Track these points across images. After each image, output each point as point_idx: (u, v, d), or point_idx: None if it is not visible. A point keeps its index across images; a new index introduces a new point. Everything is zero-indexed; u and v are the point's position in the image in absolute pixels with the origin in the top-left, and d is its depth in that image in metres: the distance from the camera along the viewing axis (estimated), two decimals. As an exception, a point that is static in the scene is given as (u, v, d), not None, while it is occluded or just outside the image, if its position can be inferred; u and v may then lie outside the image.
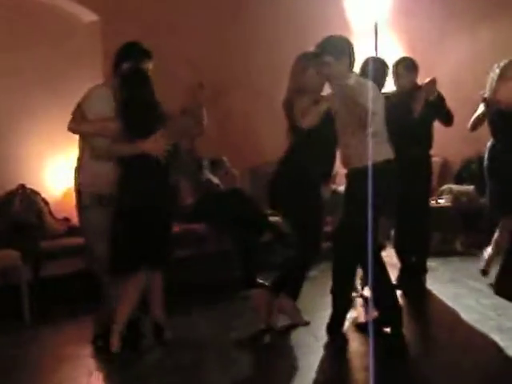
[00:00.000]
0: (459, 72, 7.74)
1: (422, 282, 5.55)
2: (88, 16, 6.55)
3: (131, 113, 4.03)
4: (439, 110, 5.33)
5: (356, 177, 4.08)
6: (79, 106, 4.15)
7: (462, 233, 7.32)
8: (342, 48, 4.19)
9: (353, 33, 8.35)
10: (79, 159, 4.25)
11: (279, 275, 4.56)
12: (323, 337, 4.21)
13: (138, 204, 3.99)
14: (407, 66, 5.36)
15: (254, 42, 7.63)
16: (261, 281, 5.77)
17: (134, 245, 4.00)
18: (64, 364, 3.98)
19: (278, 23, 7.73)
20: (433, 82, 5.15)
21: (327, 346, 4.09)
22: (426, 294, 5.37)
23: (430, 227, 5.85)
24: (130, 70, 4.13)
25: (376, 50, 7.58)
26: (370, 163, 3.88)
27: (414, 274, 5.55)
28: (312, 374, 3.58)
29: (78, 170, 4.24)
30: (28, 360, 4.15)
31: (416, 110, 5.10)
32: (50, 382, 3.78)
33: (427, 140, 5.48)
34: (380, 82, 4.94)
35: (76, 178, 4.24)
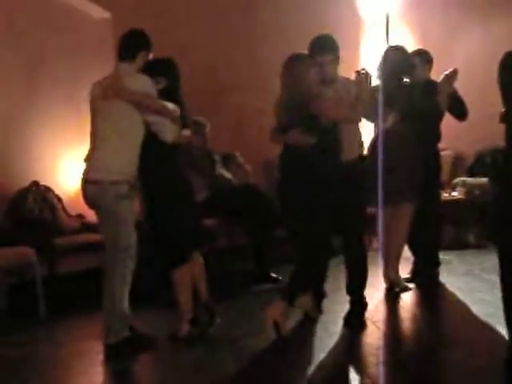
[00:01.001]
0: (471, 64, 7.66)
1: (435, 275, 5.52)
2: (99, 13, 6.55)
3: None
4: (454, 103, 5.26)
5: None
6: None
7: (475, 226, 7.27)
8: (338, 47, 4.32)
9: (364, 25, 8.36)
10: (107, 149, 4.00)
11: (289, 283, 4.54)
12: (335, 332, 4.23)
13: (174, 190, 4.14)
14: (424, 58, 5.35)
15: (267, 39, 7.61)
16: (274, 275, 5.79)
17: (182, 232, 4.14)
18: (79, 359, 4.02)
19: (289, 18, 7.72)
20: (455, 72, 5.09)
21: (339, 341, 4.09)
22: (440, 287, 5.35)
23: (440, 221, 5.79)
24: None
25: (387, 42, 7.57)
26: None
27: (426, 267, 5.52)
28: (321, 368, 3.59)
29: (109, 160, 3.99)
30: (43, 355, 4.18)
31: (444, 102, 5.05)
32: (65, 377, 3.80)
33: (436, 135, 5.42)
34: (408, 72, 4.99)
35: (106, 168, 3.98)
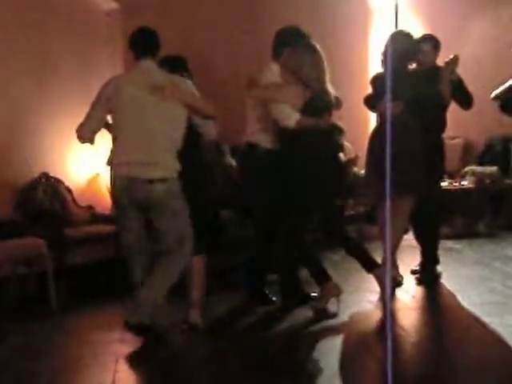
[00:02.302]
0: (481, 51, 7.67)
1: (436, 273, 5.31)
2: (108, 4, 6.55)
3: None
4: (458, 92, 5.14)
5: None
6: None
7: (485, 214, 7.26)
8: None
9: (373, 14, 8.32)
10: (164, 146, 3.94)
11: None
12: (343, 319, 4.27)
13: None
14: (433, 43, 5.23)
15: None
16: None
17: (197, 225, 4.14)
18: (90, 349, 4.02)
19: (298, 7, 7.66)
20: (456, 58, 5.00)
21: (346, 329, 4.13)
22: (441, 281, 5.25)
23: (439, 216, 5.51)
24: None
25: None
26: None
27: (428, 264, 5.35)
28: (327, 357, 3.61)
29: (168, 157, 3.94)
30: (55, 346, 4.20)
31: (445, 93, 4.94)
32: (76, 368, 3.82)
33: (441, 124, 5.27)
34: (412, 58, 4.94)
35: (168, 166, 3.92)
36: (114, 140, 4.02)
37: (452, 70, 5.01)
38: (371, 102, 5.07)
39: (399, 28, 6.99)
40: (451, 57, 5.02)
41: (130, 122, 3.94)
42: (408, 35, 5.00)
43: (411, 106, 4.74)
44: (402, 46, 4.86)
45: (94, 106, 4.00)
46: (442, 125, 5.27)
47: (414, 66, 5.08)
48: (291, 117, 4.31)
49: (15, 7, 5.83)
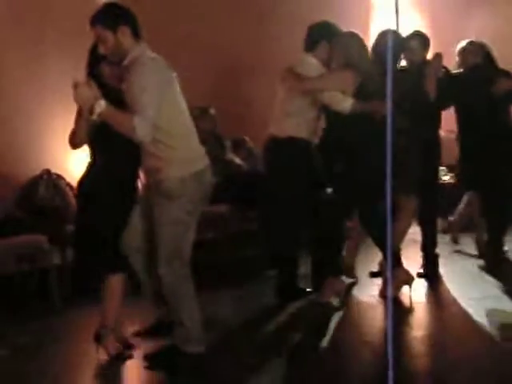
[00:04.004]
0: None
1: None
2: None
3: None
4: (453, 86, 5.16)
5: None
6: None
7: None
8: None
9: (374, 9, 8.33)
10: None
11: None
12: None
13: None
14: (421, 41, 5.19)
15: (279, 23, 7.59)
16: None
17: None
18: (93, 347, 4.03)
19: (300, 1, 7.68)
20: (438, 56, 5.02)
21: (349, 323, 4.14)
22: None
23: (435, 214, 5.53)
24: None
25: (397, 26, 7.50)
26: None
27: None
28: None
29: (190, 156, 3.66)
30: (57, 342, 4.22)
31: (431, 91, 4.91)
32: (80, 365, 3.84)
33: (436, 120, 5.27)
34: (396, 55, 4.92)
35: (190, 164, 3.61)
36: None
37: (436, 69, 5.00)
38: None
39: (400, 24, 6.99)
40: (434, 54, 5.04)
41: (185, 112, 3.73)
42: (395, 33, 4.92)
43: (399, 103, 4.73)
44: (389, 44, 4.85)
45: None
46: (434, 120, 5.26)
47: (403, 63, 5.10)
48: (346, 100, 4.42)
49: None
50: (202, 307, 4.31)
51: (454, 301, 4.61)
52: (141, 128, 3.24)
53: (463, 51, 5.53)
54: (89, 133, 3.72)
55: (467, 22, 7.97)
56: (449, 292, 4.86)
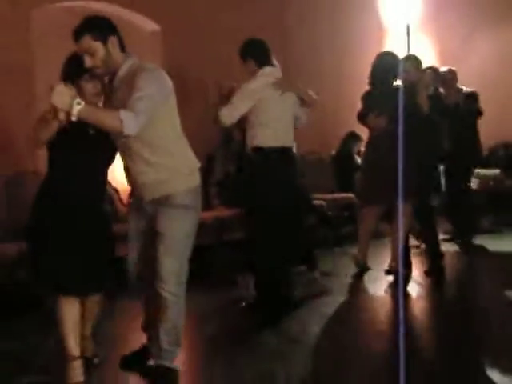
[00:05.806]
0: (485, 67, 8.06)
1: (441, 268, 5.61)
2: (150, 25, 6.89)
3: None
4: (436, 105, 5.49)
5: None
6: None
7: (489, 213, 7.64)
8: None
9: (387, 34, 8.84)
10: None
11: None
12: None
13: None
14: (414, 63, 5.57)
15: (293, 47, 7.80)
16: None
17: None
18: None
19: (315, 27, 7.95)
20: (428, 74, 5.44)
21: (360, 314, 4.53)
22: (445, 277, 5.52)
23: (433, 215, 5.79)
24: None
25: (408, 48, 8.04)
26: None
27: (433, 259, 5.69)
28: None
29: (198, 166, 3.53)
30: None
31: (424, 105, 5.25)
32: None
33: (429, 132, 5.44)
34: (392, 74, 5.29)
35: (195, 176, 3.47)
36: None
37: (426, 84, 5.44)
38: (362, 117, 5.45)
39: (411, 48, 7.48)
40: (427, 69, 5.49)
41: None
42: (392, 55, 5.48)
43: (396, 118, 5.18)
44: (387, 65, 5.31)
45: None
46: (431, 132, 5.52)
47: (399, 82, 5.37)
48: None
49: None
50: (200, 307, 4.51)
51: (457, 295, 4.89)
52: (128, 121, 3.02)
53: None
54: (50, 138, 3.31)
55: (472, 46, 8.46)
56: (452, 286, 5.17)
